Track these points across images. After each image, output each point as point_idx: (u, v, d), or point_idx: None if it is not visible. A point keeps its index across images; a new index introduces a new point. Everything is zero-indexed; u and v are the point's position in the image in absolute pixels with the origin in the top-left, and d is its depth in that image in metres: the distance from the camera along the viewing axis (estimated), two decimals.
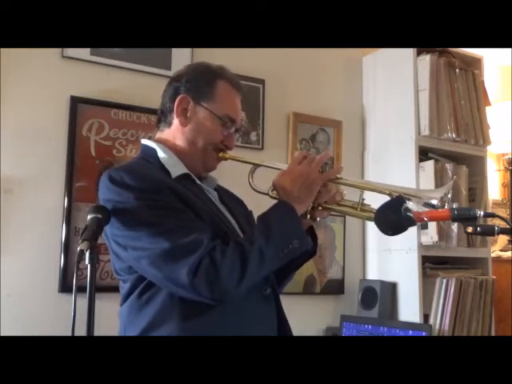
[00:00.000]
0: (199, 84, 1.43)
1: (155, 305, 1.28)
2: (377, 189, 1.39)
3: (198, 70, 1.47)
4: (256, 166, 1.50)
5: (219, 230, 1.31)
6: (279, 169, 1.43)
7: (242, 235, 1.38)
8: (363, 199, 1.40)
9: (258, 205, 1.41)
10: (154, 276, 1.26)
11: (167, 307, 1.27)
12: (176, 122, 1.43)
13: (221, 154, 1.45)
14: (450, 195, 1.31)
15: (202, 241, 1.22)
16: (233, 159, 1.47)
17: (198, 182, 1.42)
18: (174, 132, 1.44)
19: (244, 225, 1.45)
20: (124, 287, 1.35)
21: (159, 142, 1.45)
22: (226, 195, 1.54)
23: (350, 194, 1.45)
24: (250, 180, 1.49)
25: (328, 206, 1.41)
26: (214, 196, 1.47)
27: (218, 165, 1.49)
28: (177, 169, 1.38)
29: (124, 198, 1.26)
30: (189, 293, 1.22)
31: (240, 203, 1.59)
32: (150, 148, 1.43)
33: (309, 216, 1.40)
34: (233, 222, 1.43)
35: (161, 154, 1.40)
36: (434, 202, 1.31)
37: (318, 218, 1.43)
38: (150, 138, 1.49)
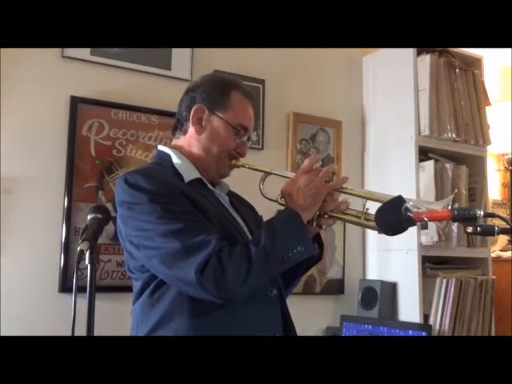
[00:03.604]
0: (214, 94, 1.49)
1: (166, 302, 1.33)
2: (380, 199, 1.41)
3: (213, 82, 1.54)
4: (267, 173, 1.54)
5: (228, 232, 1.36)
6: (288, 177, 1.48)
7: (250, 237, 1.41)
8: (367, 209, 1.44)
9: (269, 211, 1.44)
10: (165, 274, 1.31)
11: (177, 304, 1.32)
12: (192, 130, 1.49)
13: (233, 162, 1.51)
14: (449, 207, 1.32)
15: (210, 241, 1.26)
16: (244, 166, 1.52)
17: (209, 186, 1.47)
18: (190, 139, 1.50)
19: (253, 228, 1.49)
20: (136, 286, 1.41)
21: (174, 148, 1.51)
22: (236, 200, 1.59)
23: (354, 203, 1.47)
24: (260, 187, 1.53)
25: (333, 214, 1.45)
26: (225, 200, 1.52)
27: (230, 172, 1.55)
28: (190, 173, 1.44)
29: (139, 199, 1.32)
30: (196, 290, 1.26)
31: (250, 208, 1.64)
32: (164, 153, 1.49)
33: (315, 223, 1.44)
34: (242, 224, 1.48)
35: (175, 159, 1.46)
36: None
37: (324, 226, 1.47)
38: (165, 144, 1.56)
